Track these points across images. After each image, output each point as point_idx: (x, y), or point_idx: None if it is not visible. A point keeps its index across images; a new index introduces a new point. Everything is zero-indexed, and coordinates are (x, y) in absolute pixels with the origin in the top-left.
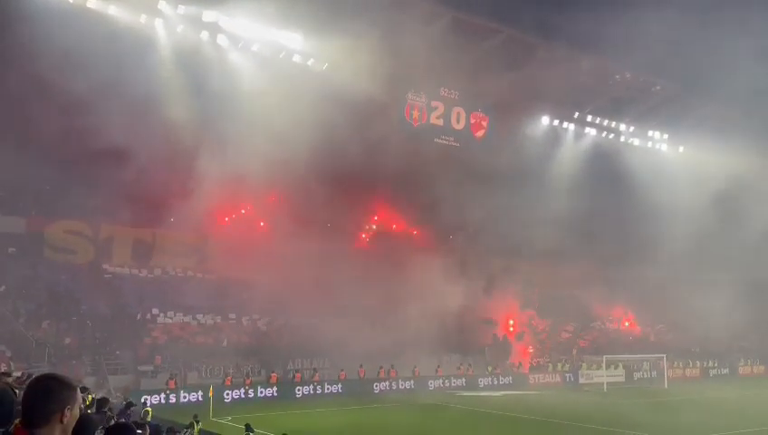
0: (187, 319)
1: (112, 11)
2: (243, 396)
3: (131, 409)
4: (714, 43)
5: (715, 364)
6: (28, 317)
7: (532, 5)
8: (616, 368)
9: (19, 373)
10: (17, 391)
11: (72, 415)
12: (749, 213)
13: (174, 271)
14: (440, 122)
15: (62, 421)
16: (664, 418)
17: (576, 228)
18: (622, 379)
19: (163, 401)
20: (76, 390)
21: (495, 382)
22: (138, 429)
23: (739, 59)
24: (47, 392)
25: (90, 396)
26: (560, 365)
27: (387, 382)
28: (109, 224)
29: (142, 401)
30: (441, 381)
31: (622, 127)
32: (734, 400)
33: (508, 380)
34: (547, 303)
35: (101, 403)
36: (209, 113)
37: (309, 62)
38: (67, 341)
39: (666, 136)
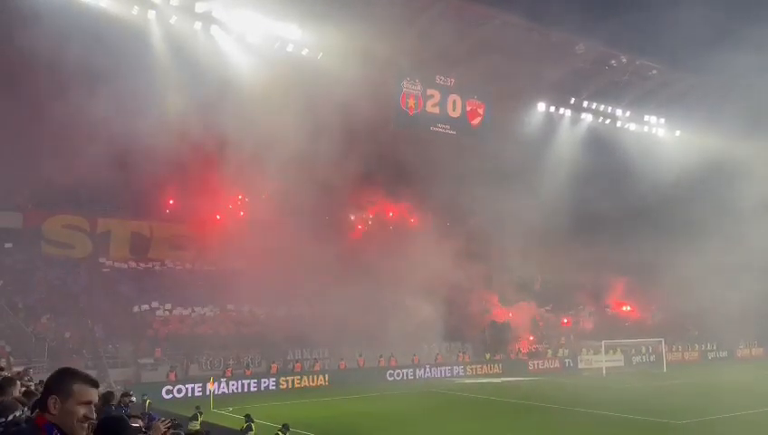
0: (186, 311)
1: (104, 2)
2: (244, 387)
3: (127, 399)
4: (710, 26)
5: (714, 347)
6: (27, 312)
7: None
8: (615, 353)
9: (20, 368)
10: (19, 383)
11: None
12: (746, 195)
13: (172, 263)
14: (436, 110)
15: None
16: (664, 401)
17: (573, 214)
18: (621, 363)
19: (165, 393)
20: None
21: (495, 369)
22: (137, 418)
23: (736, 42)
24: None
25: None
26: (559, 351)
27: (387, 371)
28: (106, 217)
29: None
30: (441, 368)
31: (618, 112)
32: (733, 382)
33: (507, 366)
34: (545, 288)
35: (107, 398)
36: (204, 105)
37: (303, 52)
38: (67, 335)
39: (662, 120)
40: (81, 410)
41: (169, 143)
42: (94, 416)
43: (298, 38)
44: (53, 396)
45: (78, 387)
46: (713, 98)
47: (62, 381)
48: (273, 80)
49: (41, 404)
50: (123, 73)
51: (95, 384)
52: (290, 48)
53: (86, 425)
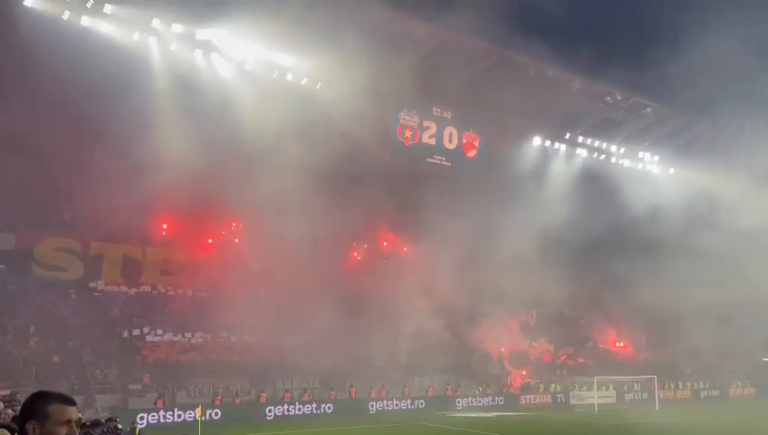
0: (176, 337)
1: (106, 29)
2: (232, 416)
3: (113, 424)
4: (705, 66)
5: (706, 386)
6: (15, 335)
7: (525, 27)
8: (607, 389)
9: (6, 392)
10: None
11: None
12: (740, 234)
13: (164, 288)
14: (432, 142)
15: None
16: None
17: (567, 249)
18: (613, 400)
19: (152, 420)
20: None
21: (486, 403)
22: None
23: (729, 81)
24: None
25: None
26: (552, 386)
27: (378, 402)
28: (98, 241)
29: (136, 419)
30: (432, 401)
31: (613, 148)
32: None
33: (499, 400)
34: (539, 323)
35: (94, 425)
36: (202, 132)
37: (303, 82)
38: (55, 359)
39: (656, 157)
40: (63, 431)
41: (165, 168)
42: (76, 434)
43: (297, 67)
44: (31, 422)
45: (54, 407)
46: (706, 136)
47: (37, 404)
48: (272, 108)
49: (20, 433)
50: (122, 99)
51: (72, 402)
52: (289, 77)
53: None
